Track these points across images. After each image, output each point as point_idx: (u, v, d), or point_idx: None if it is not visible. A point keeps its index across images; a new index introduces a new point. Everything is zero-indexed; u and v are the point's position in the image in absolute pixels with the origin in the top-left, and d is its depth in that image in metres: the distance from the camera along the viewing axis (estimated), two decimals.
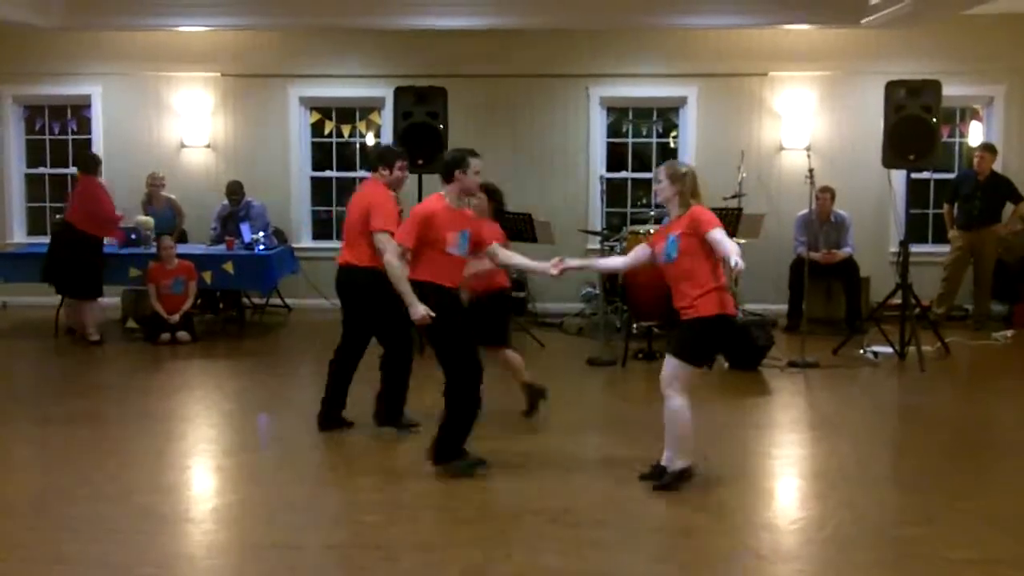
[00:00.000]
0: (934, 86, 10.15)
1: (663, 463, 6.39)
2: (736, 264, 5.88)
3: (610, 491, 6.41)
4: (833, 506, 6.08)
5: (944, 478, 6.69)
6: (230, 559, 5.38)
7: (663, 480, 6.33)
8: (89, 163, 11.63)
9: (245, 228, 12.05)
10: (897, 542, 5.51)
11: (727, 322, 6.29)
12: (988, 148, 12.27)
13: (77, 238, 11.13)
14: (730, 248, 6.01)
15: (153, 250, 11.52)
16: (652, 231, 10.33)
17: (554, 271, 6.69)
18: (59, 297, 11.58)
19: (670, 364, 6.29)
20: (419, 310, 6.38)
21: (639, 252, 6.64)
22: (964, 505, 6.08)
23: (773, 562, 5.28)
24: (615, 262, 7.11)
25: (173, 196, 12.79)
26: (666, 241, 6.30)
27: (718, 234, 6.11)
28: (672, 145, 13.78)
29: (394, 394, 7.48)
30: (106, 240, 11.50)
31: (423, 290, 6.45)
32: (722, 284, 6.27)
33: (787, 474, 6.96)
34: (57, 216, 12.25)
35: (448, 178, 6.64)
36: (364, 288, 7.28)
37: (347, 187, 13.96)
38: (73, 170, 13.75)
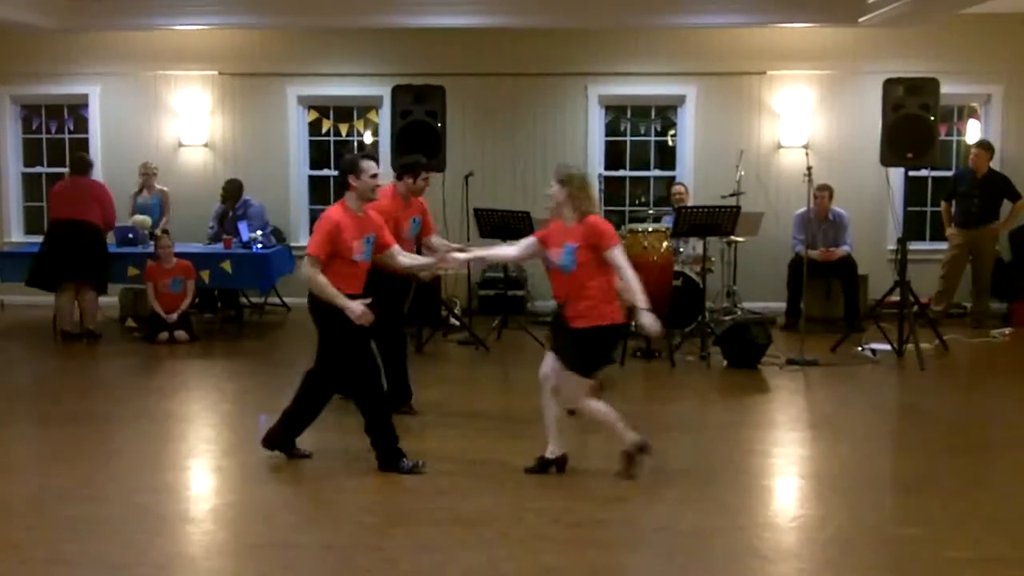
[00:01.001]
0: (932, 84, 10.15)
1: (627, 450, 6.52)
2: (650, 325, 6.28)
3: (611, 490, 6.40)
4: (833, 505, 6.08)
5: (943, 477, 6.69)
6: (229, 559, 5.38)
7: (627, 461, 6.51)
8: (86, 165, 11.72)
9: (243, 227, 12.05)
10: (896, 541, 5.51)
11: (617, 331, 6.51)
12: (983, 145, 12.29)
13: (99, 236, 11.32)
14: (636, 292, 6.24)
15: (151, 249, 11.50)
16: (651, 229, 10.41)
17: (443, 265, 6.88)
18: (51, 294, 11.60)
19: (568, 379, 6.42)
20: (357, 307, 6.40)
21: (529, 244, 6.70)
22: (963, 504, 6.08)
23: (774, 561, 5.27)
24: (507, 252, 7.10)
25: (166, 189, 12.81)
26: (562, 250, 6.36)
27: (619, 256, 6.27)
28: (671, 143, 13.78)
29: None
30: None
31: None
32: (615, 294, 6.41)
33: (787, 473, 6.96)
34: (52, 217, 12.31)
35: (345, 185, 6.66)
36: None
37: (344, 186, 13.93)
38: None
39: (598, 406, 6.47)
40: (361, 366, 6.58)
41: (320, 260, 6.43)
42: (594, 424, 6.57)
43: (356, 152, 6.81)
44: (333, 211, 6.61)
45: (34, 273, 11.37)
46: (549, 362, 6.54)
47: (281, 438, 6.83)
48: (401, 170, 8.02)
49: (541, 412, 6.61)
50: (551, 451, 6.59)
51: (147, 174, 12.72)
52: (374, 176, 6.63)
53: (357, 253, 6.55)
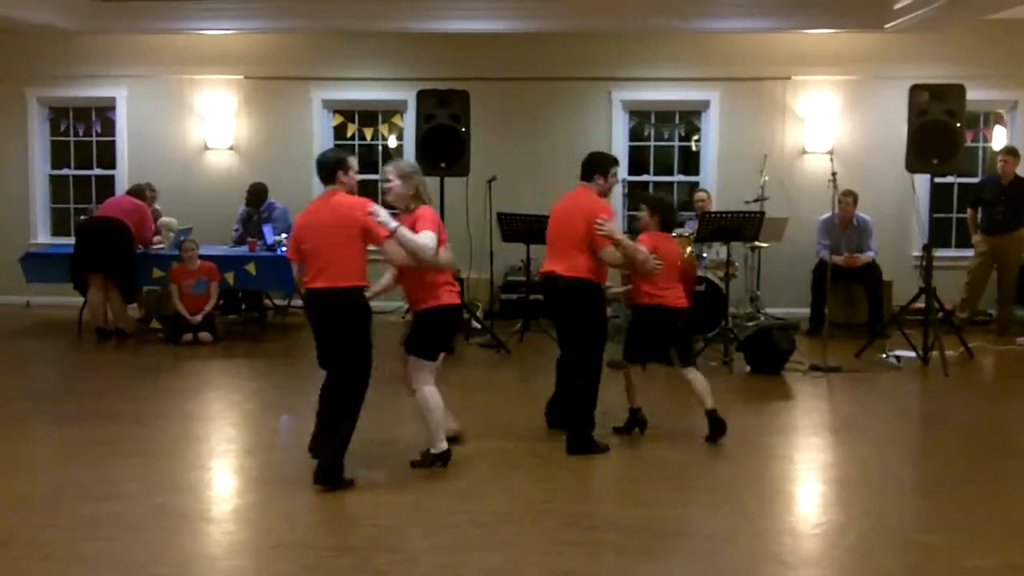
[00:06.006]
0: (958, 90, 10.09)
1: (430, 449, 6.69)
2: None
3: (630, 494, 6.41)
4: (854, 511, 6.05)
5: (964, 484, 6.64)
6: (248, 559, 5.39)
7: (419, 461, 6.69)
8: (140, 191, 12.03)
9: (267, 229, 12.11)
10: (917, 548, 5.47)
11: (448, 313, 6.66)
12: (1011, 152, 12.20)
13: (126, 233, 11.43)
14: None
15: (176, 251, 11.56)
16: (674, 234, 10.35)
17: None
18: (80, 297, 11.69)
19: (410, 361, 6.63)
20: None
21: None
22: (984, 512, 6.04)
23: (795, 568, 5.24)
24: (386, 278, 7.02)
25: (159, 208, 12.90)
26: None
27: (424, 234, 6.39)
28: (694, 148, 13.76)
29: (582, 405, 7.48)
30: None
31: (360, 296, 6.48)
32: (442, 280, 6.62)
33: (809, 479, 6.93)
34: (83, 216, 12.46)
35: (332, 180, 6.56)
36: (568, 298, 7.40)
37: (371, 190, 13.99)
38: (97, 171, 14.03)
39: (433, 397, 6.59)
40: (365, 362, 6.51)
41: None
42: (423, 413, 6.65)
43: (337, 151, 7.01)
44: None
45: (72, 274, 11.52)
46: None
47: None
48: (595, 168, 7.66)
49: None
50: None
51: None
52: (357, 172, 6.72)
53: None
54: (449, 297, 6.66)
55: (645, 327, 7.60)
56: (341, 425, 6.38)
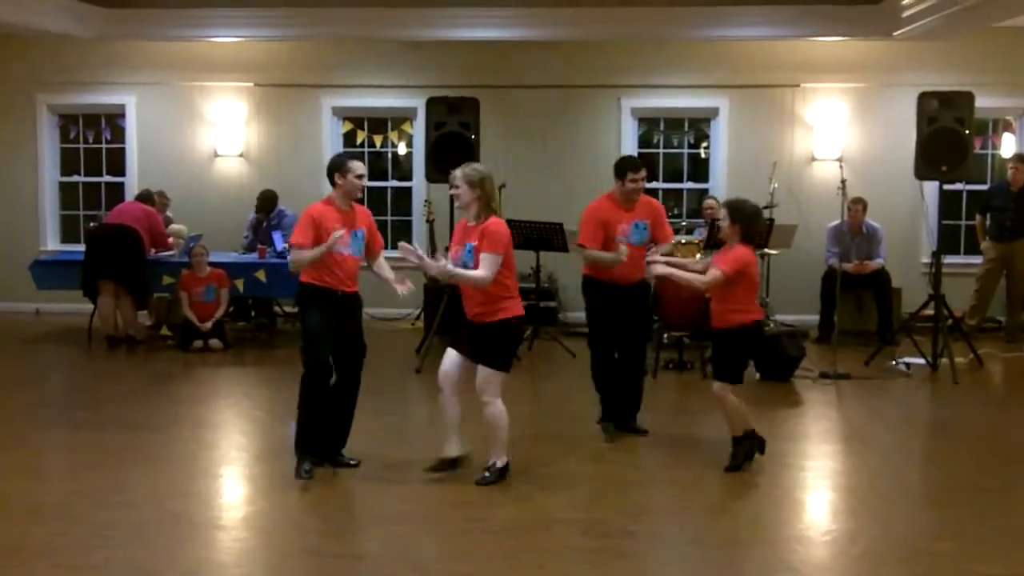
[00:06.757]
0: (966, 98, 10.09)
1: (497, 463, 6.62)
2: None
3: (642, 502, 6.42)
4: (864, 519, 6.05)
5: (974, 492, 6.63)
6: (258, 566, 5.40)
7: (487, 477, 6.56)
8: (152, 198, 12.13)
9: (277, 236, 12.13)
10: (926, 557, 5.47)
11: (516, 325, 6.60)
12: (1022, 159, 12.18)
13: (137, 240, 11.44)
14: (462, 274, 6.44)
15: (186, 258, 11.59)
16: (683, 241, 10.38)
17: (403, 289, 6.81)
18: (90, 304, 11.72)
19: (481, 372, 6.50)
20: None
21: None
22: (993, 520, 6.04)
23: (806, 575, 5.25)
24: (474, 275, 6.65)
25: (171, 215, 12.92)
26: (463, 249, 6.53)
27: (486, 259, 6.36)
28: (703, 155, 13.76)
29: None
30: None
31: (304, 290, 6.71)
32: (513, 292, 6.54)
33: (819, 487, 6.92)
34: (92, 223, 12.48)
35: (332, 184, 6.83)
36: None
37: (380, 197, 14.01)
38: (107, 179, 14.03)
39: (503, 413, 6.52)
40: (307, 355, 6.76)
41: (303, 247, 6.58)
42: (490, 427, 6.59)
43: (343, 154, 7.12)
44: (315, 205, 6.82)
45: (82, 281, 11.53)
46: (450, 360, 6.63)
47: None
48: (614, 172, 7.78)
49: (442, 412, 6.69)
50: (449, 450, 6.66)
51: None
52: (360, 176, 6.81)
53: (343, 246, 6.66)
54: (517, 309, 6.57)
55: (745, 345, 7.08)
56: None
